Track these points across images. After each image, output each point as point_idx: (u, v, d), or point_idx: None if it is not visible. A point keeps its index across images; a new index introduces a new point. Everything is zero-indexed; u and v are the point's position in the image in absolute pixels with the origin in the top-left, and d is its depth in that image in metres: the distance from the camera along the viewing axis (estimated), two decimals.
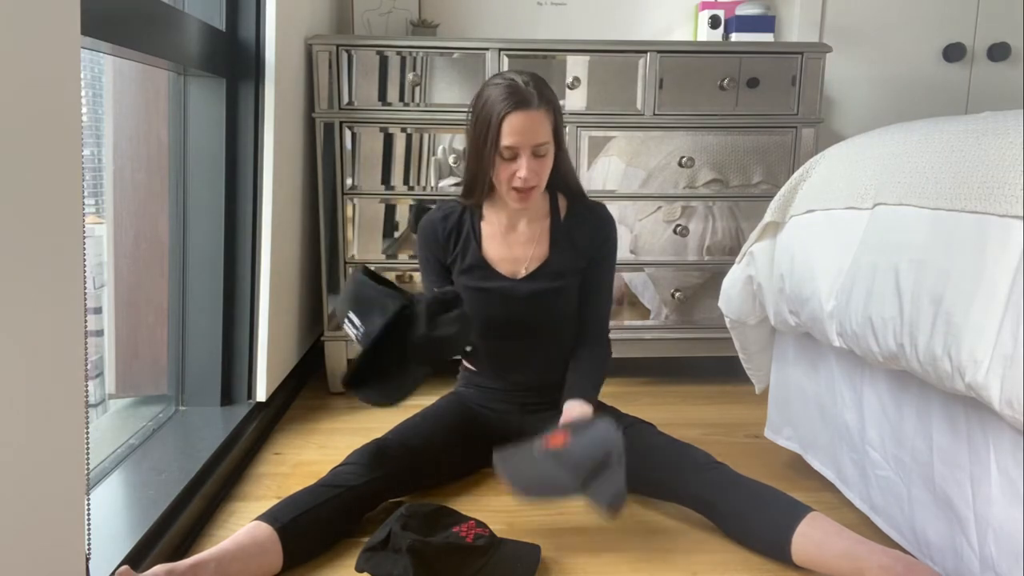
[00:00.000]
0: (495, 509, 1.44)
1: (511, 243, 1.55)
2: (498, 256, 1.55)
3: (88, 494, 1.05)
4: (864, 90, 2.59)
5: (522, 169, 1.41)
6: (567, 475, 1.26)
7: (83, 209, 0.87)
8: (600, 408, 1.63)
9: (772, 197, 1.54)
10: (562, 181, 1.56)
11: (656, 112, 2.08)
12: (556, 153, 1.50)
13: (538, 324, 1.56)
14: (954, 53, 2.56)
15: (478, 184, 1.50)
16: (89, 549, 1.00)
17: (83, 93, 1.14)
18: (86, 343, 0.88)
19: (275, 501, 1.27)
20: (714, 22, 2.38)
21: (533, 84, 1.42)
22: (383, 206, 2.10)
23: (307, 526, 1.22)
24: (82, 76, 1.02)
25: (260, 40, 1.73)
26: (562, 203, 1.59)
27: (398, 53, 2.03)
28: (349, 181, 2.07)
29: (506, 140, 1.40)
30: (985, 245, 0.97)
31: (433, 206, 2.08)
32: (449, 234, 1.57)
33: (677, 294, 2.17)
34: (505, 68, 2.02)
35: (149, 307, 1.76)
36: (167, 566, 1.06)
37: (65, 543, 0.86)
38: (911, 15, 2.56)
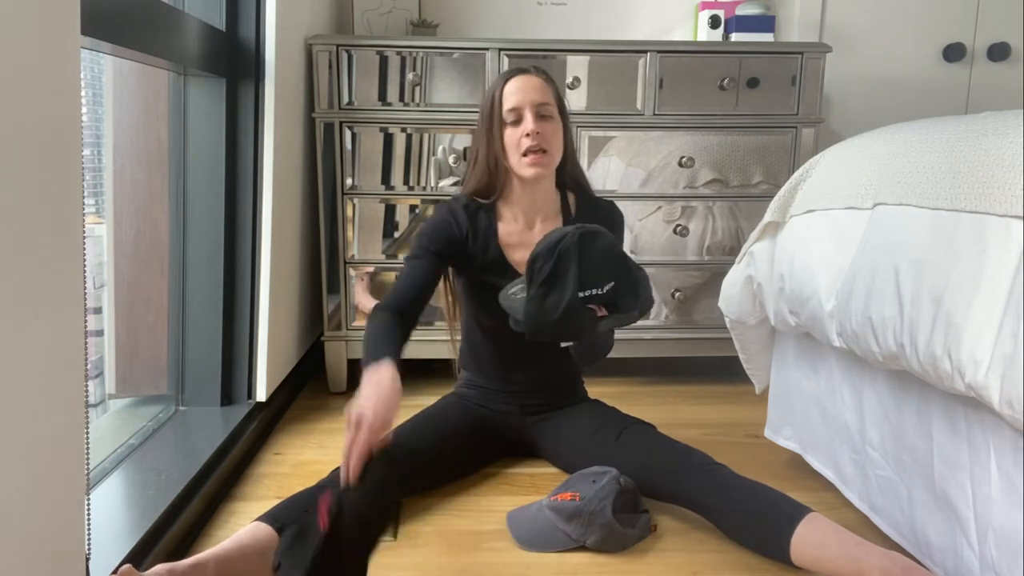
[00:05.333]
0: (495, 509, 1.44)
1: (529, 244, 1.54)
2: (518, 257, 1.54)
3: (88, 494, 1.04)
4: (864, 90, 2.59)
5: (529, 124, 1.45)
6: (569, 528, 1.30)
7: (83, 209, 0.87)
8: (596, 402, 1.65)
9: (772, 197, 1.54)
10: (570, 177, 1.59)
11: (656, 112, 2.08)
12: (564, 136, 1.53)
13: None
14: (954, 53, 2.56)
15: (493, 175, 1.52)
16: (89, 549, 1.00)
17: (83, 93, 1.14)
18: (86, 343, 0.88)
19: (275, 501, 1.27)
20: (714, 22, 2.38)
21: (532, 64, 1.54)
22: (383, 206, 2.10)
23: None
24: (82, 76, 1.02)
25: (260, 40, 1.73)
26: (572, 201, 1.61)
27: (398, 53, 2.03)
28: (349, 181, 2.07)
29: (508, 102, 1.47)
30: (985, 245, 0.97)
31: (433, 207, 2.09)
32: (472, 223, 1.55)
33: (677, 294, 2.17)
34: (505, 68, 2.02)
35: (149, 307, 1.75)
36: (167, 565, 1.06)
37: (65, 543, 0.86)
38: (911, 15, 2.56)
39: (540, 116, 1.47)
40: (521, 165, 1.48)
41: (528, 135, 1.45)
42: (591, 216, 1.57)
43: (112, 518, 1.24)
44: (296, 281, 2.08)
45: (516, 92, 1.47)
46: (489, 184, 1.54)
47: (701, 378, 2.30)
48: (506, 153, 1.49)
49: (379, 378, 1.19)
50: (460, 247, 1.55)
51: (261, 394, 1.80)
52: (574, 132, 2.07)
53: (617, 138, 2.12)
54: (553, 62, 2.06)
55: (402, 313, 1.44)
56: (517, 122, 1.47)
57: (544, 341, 1.36)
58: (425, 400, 1.69)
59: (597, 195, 1.64)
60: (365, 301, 2.16)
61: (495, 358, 1.62)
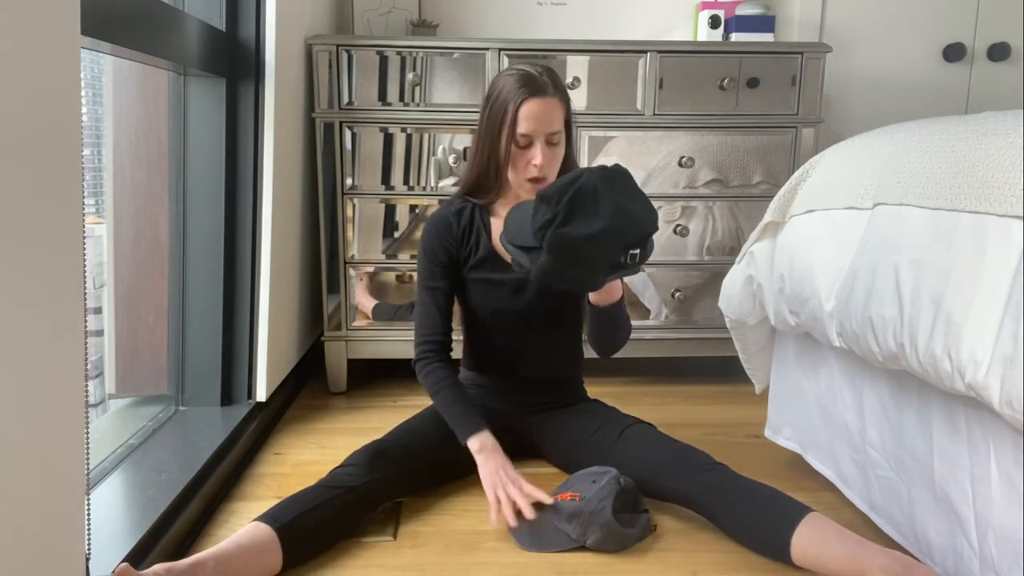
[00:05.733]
0: None
1: None
2: None
3: (88, 494, 1.04)
4: (864, 90, 2.59)
5: (537, 156, 1.43)
6: (569, 528, 1.30)
7: (83, 209, 0.87)
8: (589, 400, 1.66)
9: (772, 197, 1.54)
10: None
11: (656, 112, 2.08)
12: (566, 148, 1.52)
13: (546, 317, 1.57)
14: (954, 53, 2.56)
15: (491, 179, 1.51)
16: (89, 549, 1.00)
17: (83, 93, 1.14)
18: (86, 343, 0.88)
19: (275, 501, 1.27)
20: (714, 22, 2.38)
21: (547, 74, 1.47)
22: (383, 206, 2.10)
23: (307, 527, 1.22)
24: (82, 76, 1.02)
25: (260, 40, 1.73)
26: None
27: (398, 53, 2.03)
28: (349, 181, 2.07)
29: (522, 127, 1.43)
30: (985, 245, 0.97)
31: (432, 206, 2.09)
32: (464, 229, 1.56)
33: (677, 294, 2.17)
34: (506, 67, 2.02)
35: (149, 307, 1.76)
36: (166, 565, 1.06)
37: (65, 543, 0.86)
38: (911, 15, 2.56)
39: (549, 143, 1.46)
40: (521, 186, 1.49)
41: (536, 166, 1.44)
42: None
43: (112, 518, 1.24)
44: (296, 281, 2.08)
45: (532, 119, 1.43)
46: (486, 185, 1.53)
47: (701, 378, 2.30)
48: (510, 168, 1.48)
49: (490, 455, 1.41)
50: (456, 254, 1.56)
51: (261, 394, 1.80)
52: (574, 132, 2.07)
53: (617, 138, 2.12)
54: (553, 62, 2.05)
55: (449, 350, 1.56)
56: (527, 146, 1.45)
57: (549, 284, 1.31)
58: (425, 400, 1.69)
59: None
60: (365, 301, 2.16)
61: (493, 357, 1.62)
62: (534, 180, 1.46)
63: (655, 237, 1.37)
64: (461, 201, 1.58)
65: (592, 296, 1.45)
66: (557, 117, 1.46)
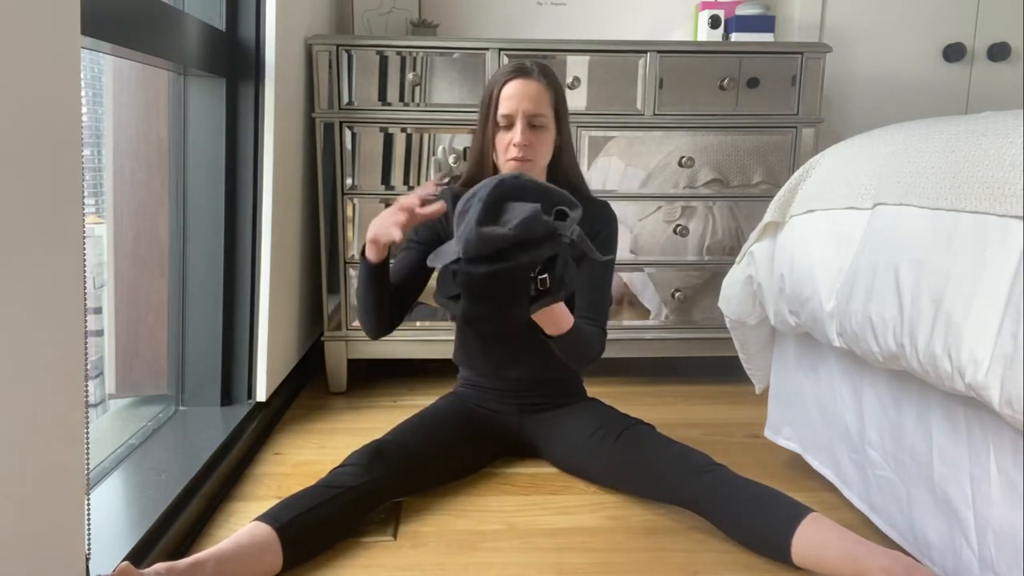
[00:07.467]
0: (495, 510, 1.44)
1: None
2: None
3: (88, 494, 1.04)
4: (864, 90, 2.59)
5: (517, 135, 1.45)
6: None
7: (83, 209, 0.87)
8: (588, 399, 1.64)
9: (772, 197, 1.54)
10: (564, 177, 1.57)
11: (656, 112, 2.08)
12: (559, 142, 1.53)
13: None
14: (954, 53, 2.56)
15: (483, 167, 1.53)
16: (89, 549, 1.00)
17: (83, 93, 1.14)
18: (86, 343, 0.88)
19: (275, 501, 1.27)
20: (714, 22, 2.38)
21: (535, 63, 1.50)
22: (383, 206, 2.10)
23: (307, 526, 1.22)
24: (82, 76, 1.02)
25: (260, 40, 1.73)
26: None
27: (398, 53, 2.03)
28: (349, 181, 2.07)
29: (502, 107, 1.47)
30: (985, 245, 0.97)
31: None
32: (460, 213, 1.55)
33: (677, 294, 2.17)
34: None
35: (149, 307, 1.76)
36: (166, 564, 1.06)
37: (65, 543, 0.86)
38: (911, 15, 2.56)
39: (531, 126, 1.47)
40: (505, 167, 1.50)
41: (516, 145, 1.46)
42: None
43: (112, 518, 1.24)
44: (296, 281, 2.08)
45: (511, 99, 1.46)
46: (480, 174, 1.54)
47: (701, 378, 2.30)
48: (495, 152, 1.52)
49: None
50: (443, 234, 1.53)
51: (261, 394, 1.80)
52: (575, 132, 2.07)
53: (617, 138, 2.12)
54: (553, 62, 2.05)
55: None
56: (509, 127, 1.48)
57: (475, 323, 1.32)
58: (425, 400, 1.69)
59: (594, 195, 1.64)
60: None
61: (483, 353, 1.61)
62: (515, 160, 1.46)
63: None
64: (460, 188, 1.58)
65: (545, 328, 1.39)
66: (541, 101, 1.47)
